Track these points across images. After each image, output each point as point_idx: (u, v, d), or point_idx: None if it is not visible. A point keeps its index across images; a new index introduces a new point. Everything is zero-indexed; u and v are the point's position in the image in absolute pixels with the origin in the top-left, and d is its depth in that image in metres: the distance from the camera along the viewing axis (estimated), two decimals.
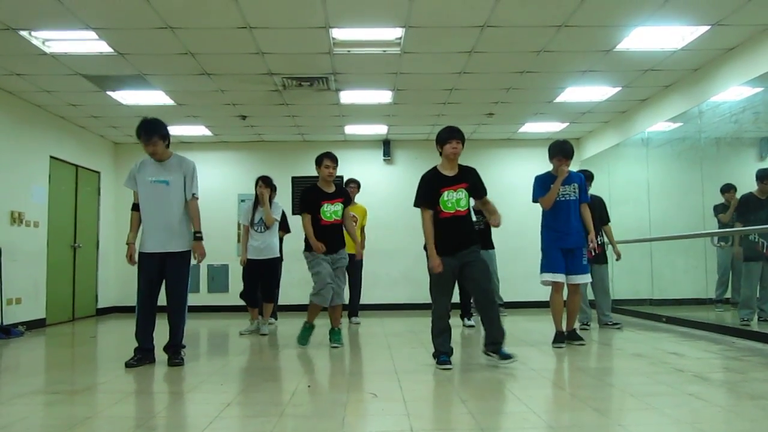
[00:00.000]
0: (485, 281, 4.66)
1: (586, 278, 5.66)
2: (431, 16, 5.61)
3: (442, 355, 4.63)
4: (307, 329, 5.89)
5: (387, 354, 5.48)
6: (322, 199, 5.76)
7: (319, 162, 5.82)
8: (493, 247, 7.71)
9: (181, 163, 4.99)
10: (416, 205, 4.69)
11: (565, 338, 5.68)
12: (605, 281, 7.11)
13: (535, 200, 5.69)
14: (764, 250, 6.51)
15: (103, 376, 4.49)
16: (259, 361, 5.39)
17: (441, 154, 4.73)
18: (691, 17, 5.71)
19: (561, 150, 5.63)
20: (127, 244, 4.98)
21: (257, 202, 6.88)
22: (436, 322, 4.66)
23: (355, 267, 7.96)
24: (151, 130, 4.84)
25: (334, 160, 5.82)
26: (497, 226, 4.86)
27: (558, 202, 5.60)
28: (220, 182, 10.71)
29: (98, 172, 10.22)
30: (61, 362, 5.92)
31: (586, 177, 6.87)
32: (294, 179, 10.75)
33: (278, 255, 6.97)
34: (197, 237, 4.94)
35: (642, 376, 4.34)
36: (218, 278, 10.43)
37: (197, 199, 5.01)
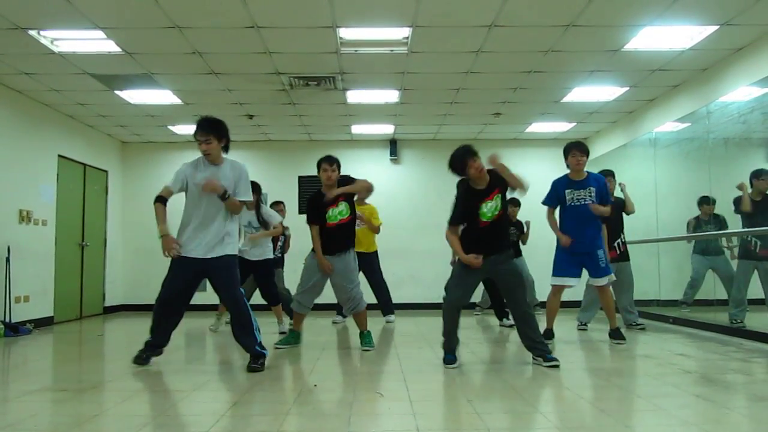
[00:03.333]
0: (517, 292, 4.68)
1: (603, 280, 5.78)
2: (438, 15, 5.60)
3: (448, 353, 4.65)
4: (292, 335, 5.76)
5: (393, 353, 5.48)
6: (326, 206, 5.52)
7: (318, 166, 5.59)
8: (521, 255, 8.00)
9: (233, 167, 4.73)
10: (451, 223, 4.68)
11: (552, 336, 5.93)
12: (626, 279, 7.01)
13: (543, 203, 5.93)
14: (757, 250, 6.45)
15: (110, 373, 4.51)
16: (266, 360, 5.39)
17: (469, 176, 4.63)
18: (699, 17, 5.68)
19: (576, 145, 5.79)
20: (163, 236, 4.48)
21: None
22: (445, 312, 4.63)
23: (369, 266, 7.90)
24: (207, 126, 4.57)
25: (332, 162, 5.54)
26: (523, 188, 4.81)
27: (571, 207, 5.75)
28: None
29: (106, 171, 10.26)
30: (69, 360, 5.95)
31: (607, 174, 6.89)
32: (300, 179, 10.76)
33: (269, 257, 6.77)
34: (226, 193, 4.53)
35: (649, 377, 4.33)
36: None
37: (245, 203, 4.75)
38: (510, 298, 4.75)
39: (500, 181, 4.66)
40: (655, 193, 8.35)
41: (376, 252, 8.01)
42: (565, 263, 5.76)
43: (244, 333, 4.59)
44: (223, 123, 4.65)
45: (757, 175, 6.41)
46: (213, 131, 4.55)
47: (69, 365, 5.52)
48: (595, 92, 8.07)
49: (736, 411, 3.40)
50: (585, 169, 5.83)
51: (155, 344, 4.76)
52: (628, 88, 7.87)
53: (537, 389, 4.11)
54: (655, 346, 5.94)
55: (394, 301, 8.25)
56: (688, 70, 7.15)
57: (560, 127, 10.02)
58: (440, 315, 4.69)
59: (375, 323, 7.70)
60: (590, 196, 5.68)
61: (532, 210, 7.40)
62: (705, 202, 7.03)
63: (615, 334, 5.89)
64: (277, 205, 7.98)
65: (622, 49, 6.40)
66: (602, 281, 5.77)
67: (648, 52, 6.52)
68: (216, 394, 4.01)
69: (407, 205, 10.49)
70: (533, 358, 4.73)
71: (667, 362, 4.91)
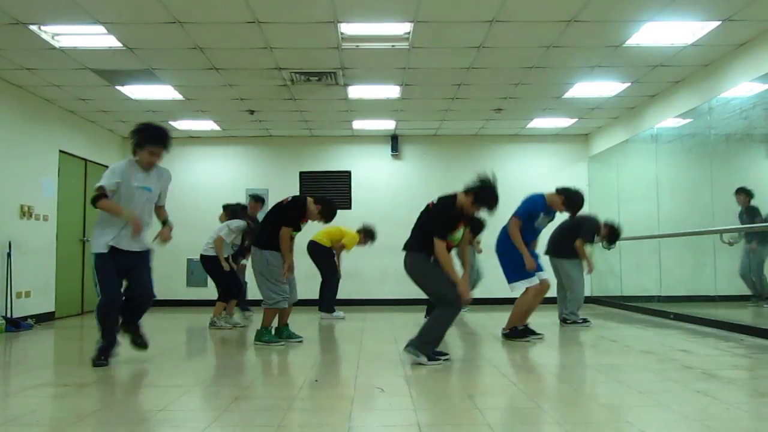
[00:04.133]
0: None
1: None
2: (440, 10, 5.59)
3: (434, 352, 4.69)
4: (270, 331, 5.80)
5: (394, 349, 5.48)
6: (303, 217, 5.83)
7: (311, 204, 5.82)
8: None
9: (162, 174, 4.87)
10: (437, 233, 4.60)
11: (530, 333, 5.95)
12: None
13: (519, 217, 5.86)
14: None
15: (111, 369, 4.52)
16: (265, 355, 5.40)
17: (462, 202, 4.66)
18: (701, 12, 5.66)
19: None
20: (131, 217, 4.48)
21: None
22: (449, 315, 4.67)
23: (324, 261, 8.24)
24: (165, 140, 4.71)
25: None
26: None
27: (537, 229, 5.98)
28: (228, 177, 10.73)
29: (107, 167, 10.19)
30: (70, 355, 5.96)
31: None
32: (302, 174, 10.77)
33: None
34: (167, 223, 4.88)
35: (650, 372, 4.33)
36: (197, 272, 10.35)
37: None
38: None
39: (471, 225, 4.95)
40: (656, 189, 8.35)
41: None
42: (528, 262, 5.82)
43: (139, 317, 4.79)
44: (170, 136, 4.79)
45: None
46: (166, 146, 4.70)
47: (70, 360, 5.53)
48: (597, 88, 8.05)
49: (738, 407, 3.40)
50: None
51: (113, 344, 4.69)
52: (629, 84, 7.86)
53: (538, 385, 4.11)
54: (655, 341, 5.94)
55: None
56: (690, 66, 7.14)
57: (562, 122, 10.00)
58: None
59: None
60: (548, 221, 6.03)
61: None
62: (741, 192, 6.88)
63: (512, 334, 5.92)
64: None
65: (623, 44, 6.38)
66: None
67: (650, 47, 6.50)
68: (217, 389, 4.01)
69: (408, 201, 10.42)
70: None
71: (668, 358, 4.92)
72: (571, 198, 5.92)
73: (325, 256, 8.19)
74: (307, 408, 3.43)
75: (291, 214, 5.67)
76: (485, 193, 4.58)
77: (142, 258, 4.70)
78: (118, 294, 4.61)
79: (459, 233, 4.68)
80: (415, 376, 4.16)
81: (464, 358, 5.09)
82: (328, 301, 8.21)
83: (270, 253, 5.55)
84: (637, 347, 5.58)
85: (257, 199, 8.49)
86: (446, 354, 4.74)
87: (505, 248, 5.87)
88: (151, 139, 4.65)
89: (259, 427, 3.04)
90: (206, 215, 9.67)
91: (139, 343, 4.80)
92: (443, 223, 4.60)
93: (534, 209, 5.88)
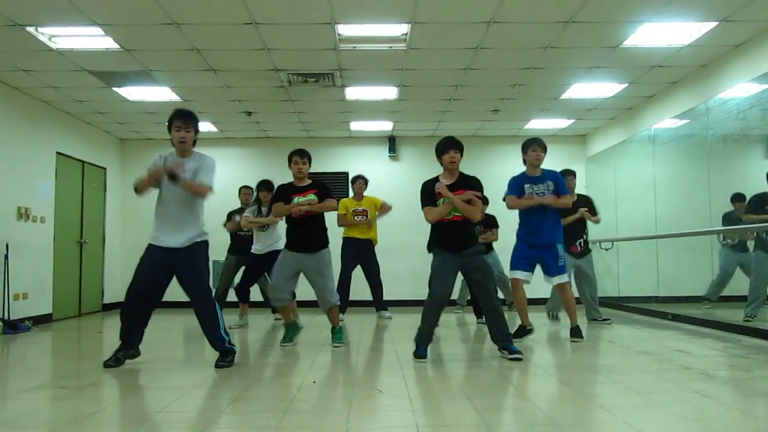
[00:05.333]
0: (487, 285, 4.78)
1: (562, 278, 5.64)
2: (437, 11, 5.60)
3: (421, 347, 4.81)
4: (291, 329, 5.84)
5: (392, 350, 5.48)
6: (293, 192, 5.60)
7: (288, 159, 5.73)
8: (493, 249, 7.69)
9: (200, 158, 4.73)
10: (423, 206, 4.88)
11: (525, 332, 5.70)
12: (586, 273, 7.11)
13: (504, 199, 5.82)
14: None
15: (109, 371, 4.51)
16: (264, 357, 5.40)
17: (441, 164, 4.96)
18: (698, 13, 5.68)
19: (535, 140, 5.81)
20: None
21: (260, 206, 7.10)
22: (430, 307, 4.80)
23: (367, 258, 8.15)
24: (188, 116, 4.64)
25: (304, 155, 5.65)
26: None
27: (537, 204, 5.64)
28: (225, 178, 10.69)
29: (104, 168, 10.25)
30: (68, 357, 5.95)
31: (568, 174, 6.93)
32: None
33: (277, 248, 6.90)
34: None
35: (648, 373, 4.34)
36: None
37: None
38: (478, 292, 4.85)
39: (467, 186, 4.84)
40: (654, 190, 8.35)
41: (371, 240, 8.27)
42: (517, 256, 5.66)
43: (212, 327, 4.63)
44: (198, 117, 4.76)
45: None
46: (193, 122, 4.65)
47: (67, 362, 5.52)
48: (594, 89, 8.06)
49: (735, 407, 3.41)
50: (542, 166, 5.83)
51: (126, 343, 4.68)
52: (626, 85, 7.87)
53: (535, 386, 4.11)
54: (653, 342, 5.94)
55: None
56: (687, 67, 7.15)
57: (559, 123, 10.02)
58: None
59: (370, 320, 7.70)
60: (549, 189, 5.64)
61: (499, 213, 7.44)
62: (738, 199, 6.84)
63: (574, 332, 5.77)
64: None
65: (620, 45, 6.39)
66: (557, 280, 5.62)
67: (647, 48, 6.51)
68: (215, 390, 4.00)
69: (406, 202, 10.40)
70: (499, 350, 4.84)
71: (666, 358, 4.92)
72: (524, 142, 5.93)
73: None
74: (306, 410, 3.42)
75: None
76: (439, 141, 4.98)
77: (183, 257, 4.60)
78: (143, 289, 4.65)
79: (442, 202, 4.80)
80: (413, 378, 4.16)
81: (462, 359, 5.09)
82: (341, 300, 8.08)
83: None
84: (635, 348, 5.59)
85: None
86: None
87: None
88: (176, 116, 4.63)
89: (257, 428, 3.03)
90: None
91: (219, 365, 4.58)
92: (423, 195, 4.90)
93: (513, 183, 5.80)
